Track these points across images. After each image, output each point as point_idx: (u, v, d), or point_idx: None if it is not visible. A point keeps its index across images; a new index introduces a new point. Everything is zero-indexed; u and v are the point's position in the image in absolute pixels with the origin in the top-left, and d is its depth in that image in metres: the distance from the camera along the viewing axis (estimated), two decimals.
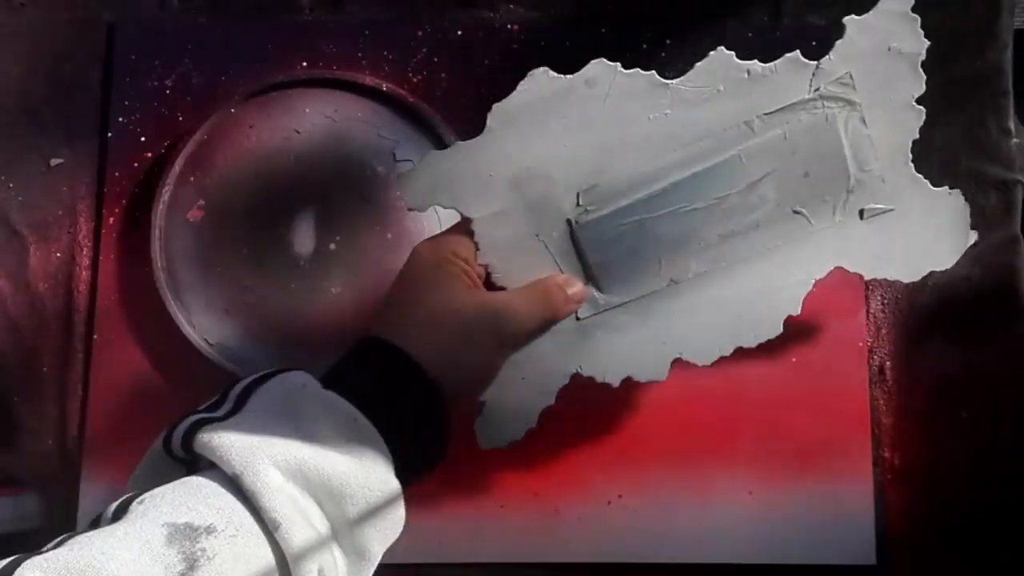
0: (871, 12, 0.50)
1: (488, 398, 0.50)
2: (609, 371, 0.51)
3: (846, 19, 0.50)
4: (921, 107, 0.51)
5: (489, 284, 0.50)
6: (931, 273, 0.52)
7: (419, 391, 0.44)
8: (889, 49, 0.50)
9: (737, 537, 0.57)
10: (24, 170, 0.62)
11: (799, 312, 0.51)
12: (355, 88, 0.61)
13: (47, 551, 0.36)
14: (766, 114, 0.50)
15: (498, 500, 0.58)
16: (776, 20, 0.62)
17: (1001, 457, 0.58)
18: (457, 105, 0.61)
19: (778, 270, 0.51)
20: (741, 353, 0.57)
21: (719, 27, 0.62)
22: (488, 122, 0.49)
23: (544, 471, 0.58)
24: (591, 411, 0.58)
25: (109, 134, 0.61)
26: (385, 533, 0.42)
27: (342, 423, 0.41)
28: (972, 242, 0.52)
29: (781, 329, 0.51)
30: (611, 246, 0.50)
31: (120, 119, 0.62)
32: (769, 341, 0.57)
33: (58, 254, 0.61)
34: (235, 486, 0.39)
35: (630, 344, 0.51)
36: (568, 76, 0.49)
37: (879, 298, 0.60)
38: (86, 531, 0.37)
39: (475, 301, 0.47)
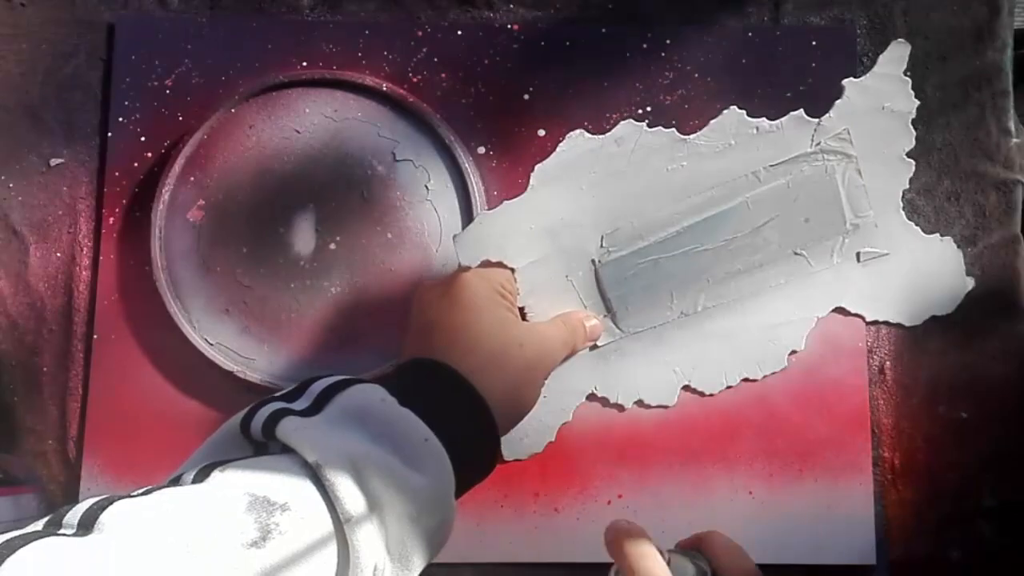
0: (867, 75, 0.58)
1: None
2: (622, 393, 0.57)
3: (845, 82, 0.57)
4: (911, 160, 0.58)
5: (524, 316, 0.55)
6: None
7: (480, 421, 0.46)
8: (883, 108, 0.57)
9: (737, 537, 0.57)
10: (24, 170, 0.62)
11: (803, 347, 0.57)
12: (355, 88, 0.61)
13: (137, 495, 0.38)
14: (772, 165, 0.56)
15: (498, 500, 0.58)
16: (776, 20, 0.62)
17: (1001, 457, 0.58)
18: (457, 105, 0.61)
19: (781, 307, 0.57)
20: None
21: (719, 27, 0.62)
22: (531, 181, 0.56)
23: (544, 471, 0.58)
24: (591, 411, 0.58)
25: (109, 134, 0.61)
26: (433, 550, 0.44)
27: (417, 442, 0.42)
28: (969, 288, 0.58)
29: (785, 363, 0.57)
30: (629, 283, 0.56)
31: (120, 119, 0.62)
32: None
33: (58, 254, 0.61)
34: (313, 474, 0.40)
35: (642, 370, 0.57)
36: (600, 136, 0.57)
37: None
38: (171, 486, 0.39)
39: (534, 339, 0.51)
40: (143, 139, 0.61)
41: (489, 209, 0.58)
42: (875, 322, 0.58)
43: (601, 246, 0.56)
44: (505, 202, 0.55)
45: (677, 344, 0.57)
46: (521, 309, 0.55)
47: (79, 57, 0.63)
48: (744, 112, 0.57)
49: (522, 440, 0.56)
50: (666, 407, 0.57)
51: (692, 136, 0.57)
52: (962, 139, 0.61)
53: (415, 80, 0.62)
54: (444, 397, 0.46)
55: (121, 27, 0.63)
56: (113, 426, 0.59)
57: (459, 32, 0.62)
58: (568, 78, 0.61)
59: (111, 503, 0.37)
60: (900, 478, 0.58)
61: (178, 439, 0.58)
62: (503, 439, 0.52)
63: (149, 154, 0.61)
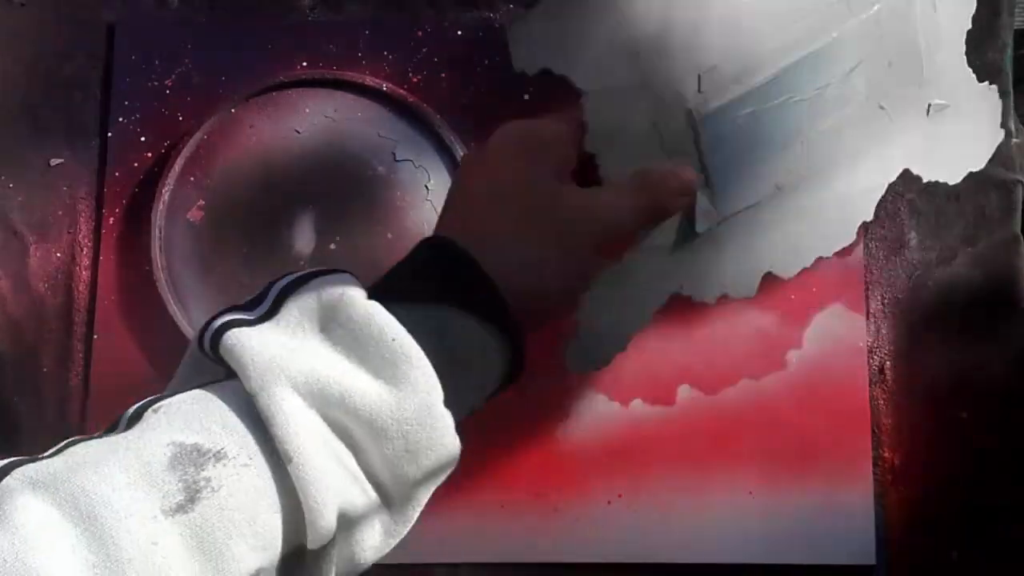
0: None
1: (582, 318, 0.46)
2: (707, 290, 0.49)
3: None
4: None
5: (588, 178, 0.44)
6: (931, 273, 0.52)
7: (485, 308, 0.37)
8: None
9: (737, 537, 0.57)
10: (24, 170, 0.62)
11: (871, 218, 0.50)
12: (355, 88, 0.61)
13: (44, 458, 0.33)
14: None
15: (498, 500, 0.58)
16: None
17: (1001, 457, 0.58)
18: (457, 105, 0.61)
19: (858, 173, 0.49)
20: (741, 352, 0.57)
21: None
22: None
23: (544, 471, 0.58)
24: (591, 411, 0.58)
25: (109, 134, 0.61)
26: (429, 471, 0.36)
27: (380, 341, 0.35)
28: (999, 141, 0.52)
29: (855, 236, 0.50)
30: (730, 143, 0.46)
31: (120, 119, 0.62)
32: (770, 341, 0.57)
33: (58, 254, 0.61)
34: (251, 406, 0.34)
35: (728, 261, 0.49)
36: None
37: (879, 298, 0.60)
38: (95, 437, 0.35)
39: (569, 200, 0.40)
40: (143, 139, 0.61)
41: None
42: (928, 184, 0.52)
43: (699, 90, 0.45)
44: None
45: (763, 226, 0.48)
46: (592, 159, 0.44)
47: (79, 57, 0.63)
48: None
49: (590, 348, 0.47)
50: (748, 298, 0.50)
51: None
52: None
53: (415, 80, 0.62)
54: (432, 281, 0.38)
55: (121, 27, 0.63)
56: None
57: (459, 32, 0.62)
58: (568, 79, 0.61)
59: (9, 472, 0.32)
60: (900, 478, 0.58)
61: None
62: (570, 345, 0.46)
63: (149, 154, 0.61)
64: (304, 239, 0.60)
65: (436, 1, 0.63)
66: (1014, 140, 0.61)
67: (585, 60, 0.44)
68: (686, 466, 0.57)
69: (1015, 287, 0.60)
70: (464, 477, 0.57)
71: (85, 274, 0.61)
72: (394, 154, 0.60)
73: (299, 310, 0.36)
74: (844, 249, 0.59)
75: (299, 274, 0.38)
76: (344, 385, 0.34)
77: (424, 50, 0.62)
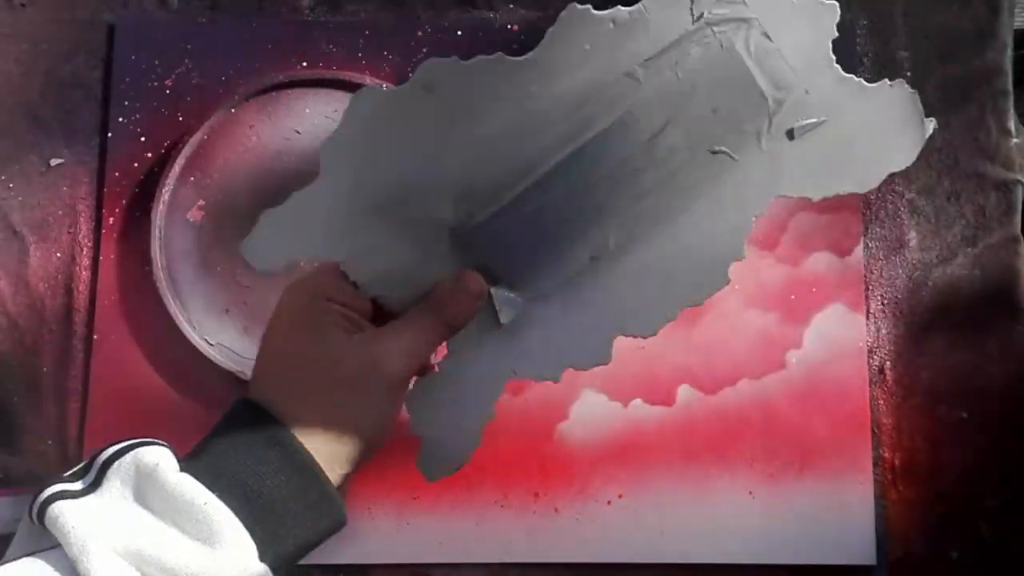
0: None
1: (420, 431, 0.46)
2: (547, 368, 0.47)
3: None
4: (833, 1, 0.46)
5: (383, 315, 0.45)
6: (931, 273, 0.51)
7: (294, 468, 0.39)
8: None
9: (737, 537, 0.57)
10: (24, 170, 0.62)
11: (744, 256, 0.46)
12: (355, 88, 0.61)
13: None
14: (648, 60, 0.45)
15: (498, 500, 0.58)
16: None
17: (1001, 457, 0.58)
18: None
19: (710, 217, 0.46)
20: (741, 352, 0.57)
21: None
22: (322, 161, 0.44)
23: (544, 471, 0.58)
24: (590, 410, 0.58)
25: (109, 134, 0.61)
26: None
27: (192, 508, 0.37)
28: (931, 131, 0.47)
29: (729, 278, 0.46)
30: (511, 242, 0.45)
31: (120, 119, 0.62)
32: (770, 341, 0.57)
33: (58, 254, 0.61)
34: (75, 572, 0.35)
35: (564, 334, 0.47)
36: (400, 87, 0.44)
37: (879, 298, 0.60)
38: None
39: (352, 354, 0.42)
40: (143, 139, 0.61)
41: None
42: (824, 199, 0.47)
43: (458, 211, 0.44)
44: (294, 192, 0.44)
45: (599, 293, 0.46)
46: (374, 303, 0.45)
47: (79, 57, 0.63)
48: (589, 6, 0.44)
49: (443, 456, 0.47)
50: (604, 365, 0.47)
51: (530, 55, 0.44)
52: (962, 139, 0.61)
53: None
54: (242, 446, 0.40)
55: (121, 27, 0.63)
56: (113, 426, 0.58)
57: (459, 32, 0.62)
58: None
59: None
60: (900, 478, 0.58)
61: (178, 439, 0.58)
62: (421, 459, 0.47)
63: (149, 154, 0.61)
64: None
65: (436, 1, 0.63)
66: (1014, 140, 0.61)
67: (327, 241, 0.44)
68: (686, 466, 0.57)
69: (1015, 287, 0.60)
70: (464, 477, 0.57)
71: (85, 274, 0.61)
72: None
73: (120, 480, 0.38)
74: (843, 248, 0.58)
75: (120, 445, 0.40)
76: (161, 547, 0.36)
77: (424, 51, 0.62)
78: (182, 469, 0.39)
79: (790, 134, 0.46)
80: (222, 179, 0.60)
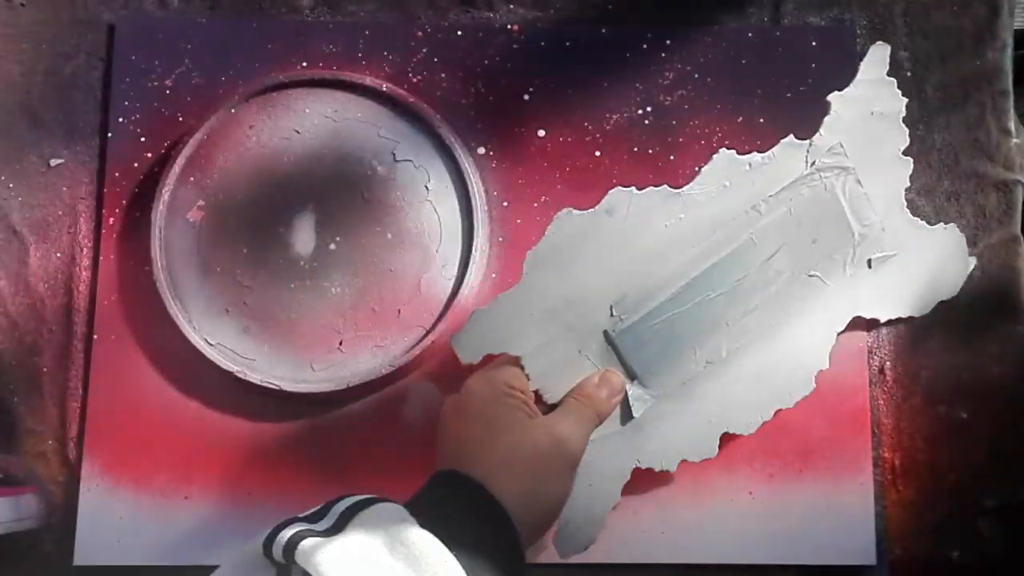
0: (851, 86, 0.56)
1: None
2: (665, 459, 0.54)
3: (830, 97, 0.56)
4: (908, 157, 0.57)
5: (539, 402, 0.52)
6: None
7: (502, 532, 0.46)
8: (872, 113, 0.56)
9: (737, 537, 0.57)
10: (24, 170, 0.62)
11: (828, 366, 0.56)
12: (355, 88, 0.61)
13: None
14: (770, 196, 0.55)
15: None
16: (776, 20, 0.62)
17: (1001, 457, 0.58)
18: (457, 105, 0.61)
19: (802, 331, 0.55)
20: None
21: (719, 27, 0.62)
22: (524, 268, 0.53)
23: None
24: None
25: (109, 134, 0.61)
26: None
27: (436, 564, 0.42)
28: (971, 269, 0.58)
29: (814, 385, 0.55)
30: (648, 346, 0.54)
31: (120, 119, 0.62)
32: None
33: (58, 254, 0.61)
34: None
35: (680, 430, 0.54)
36: (590, 211, 0.53)
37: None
38: None
39: (544, 433, 0.49)
40: (143, 139, 0.61)
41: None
42: (888, 321, 0.58)
43: (611, 315, 0.53)
44: (499, 296, 0.53)
45: (708, 394, 0.55)
46: (536, 393, 0.52)
47: (79, 57, 0.63)
48: (734, 152, 0.55)
49: (575, 534, 0.53)
50: (711, 458, 0.55)
51: (685, 188, 0.54)
52: (962, 139, 0.61)
53: (415, 80, 0.62)
54: (464, 512, 0.46)
55: (121, 27, 0.63)
56: (113, 426, 0.59)
57: (459, 32, 0.62)
58: (568, 78, 0.61)
59: None
60: (900, 478, 0.58)
61: (178, 439, 0.58)
62: (557, 537, 0.53)
63: (149, 154, 0.61)
64: (304, 239, 0.60)
65: (436, 1, 0.63)
66: (1014, 140, 0.61)
67: (513, 337, 0.52)
68: (686, 466, 0.57)
69: (1015, 287, 0.60)
70: None
71: (85, 274, 0.61)
72: (394, 154, 0.60)
73: (363, 530, 0.43)
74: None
75: (358, 498, 0.45)
76: None
77: (424, 51, 0.62)
78: (421, 525, 0.43)
79: (869, 263, 0.56)
80: (222, 179, 0.60)
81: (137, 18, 0.63)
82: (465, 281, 0.59)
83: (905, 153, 0.57)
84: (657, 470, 0.54)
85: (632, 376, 0.54)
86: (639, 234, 0.54)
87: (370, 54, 0.62)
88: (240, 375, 0.58)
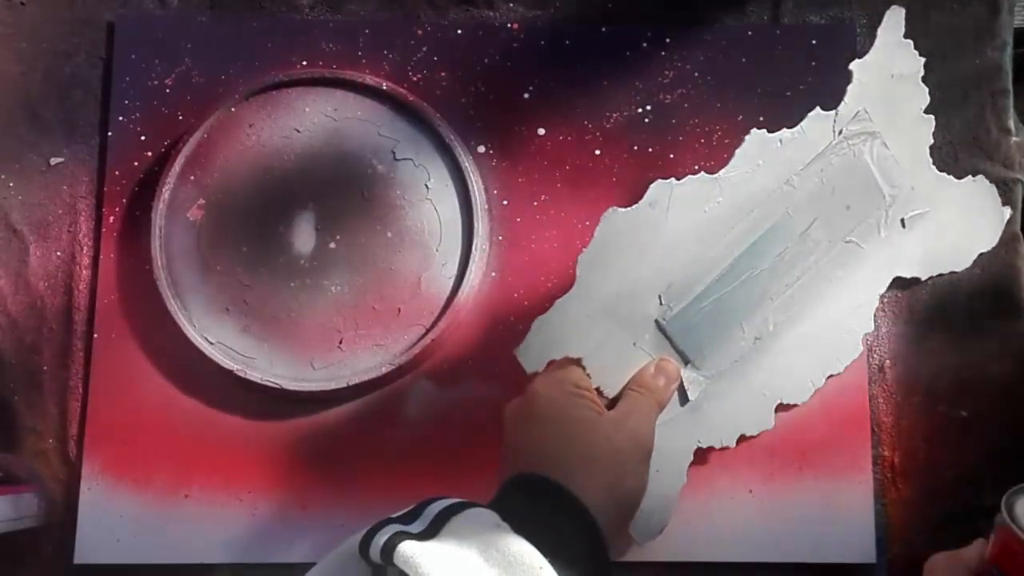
0: (871, 52, 0.57)
1: None
2: (724, 435, 0.56)
3: (851, 65, 0.56)
4: (931, 115, 0.58)
5: (599, 398, 0.53)
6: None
7: (587, 532, 0.46)
8: (892, 76, 0.57)
9: (737, 536, 0.57)
10: (24, 170, 0.62)
11: (872, 327, 0.57)
12: (355, 87, 0.61)
13: None
14: (802, 169, 0.56)
15: None
16: (776, 20, 0.62)
17: (1001, 457, 0.58)
18: (457, 105, 0.61)
19: (844, 297, 0.57)
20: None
21: (719, 27, 0.62)
22: (578, 271, 0.53)
23: None
24: None
25: (109, 134, 0.62)
26: None
27: (532, 570, 0.42)
28: (1007, 217, 0.59)
29: (862, 347, 0.57)
30: (697, 329, 0.55)
31: (120, 119, 0.62)
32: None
33: (58, 253, 0.61)
34: None
35: (736, 406, 0.56)
36: (634, 207, 0.54)
37: (879, 298, 0.60)
38: None
39: (615, 429, 0.50)
40: (143, 139, 0.61)
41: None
42: (929, 278, 0.59)
43: (661, 304, 0.54)
44: (557, 301, 0.53)
45: (759, 369, 0.56)
46: (599, 390, 0.53)
47: (79, 57, 0.63)
48: (764, 131, 0.56)
49: (649, 519, 0.54)
50: (769, 430, 0.56)
51: (721, 172, 0.55)
52: (962, 138, 0.61)
53: (415, 79, 0.62)
54: (552, 517, 0.46)
55: (121, 27, 0.63)
56: (113, 425, 0.59)
57: (459, 32, 0.62)
58: (568, 78, 0.62)
59: None
60: (900, 477, 0.58)
61: (178, 438, 0.58)
62: (633, 525, 0.53)
63: (149, 154, 0.61)
64: (304, 238, 0.60)
65: (436, 1, 0.63)
66: (1014, 139, 0.61)
67: (572, 339, 0.53)
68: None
69: (1015, 287, 0.60)
70: (465, 478, 0.57)
71: (85, 273, 0.61)
72: (394, 153, 0.60)
73: (460, 532, 0.44)
74: None
75: (452, 501, 0.46)
76: None
77: (424, 50, 0.62)
78: (515, 530, 0.44)
79: (902, 223, 0.57)
80: (222, 178, 0.60)
81: (137, 17, 0.63)
82: (465, 280, 0.59)
83: (926, 111, 0.58)
84: (718, 448, 0.56)
85: (686, 360, 0.55)
86: (681, 222, 0.55)
87: (370, 53, 0.62)
88: (240, 374, 0.58)
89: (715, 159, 0.60)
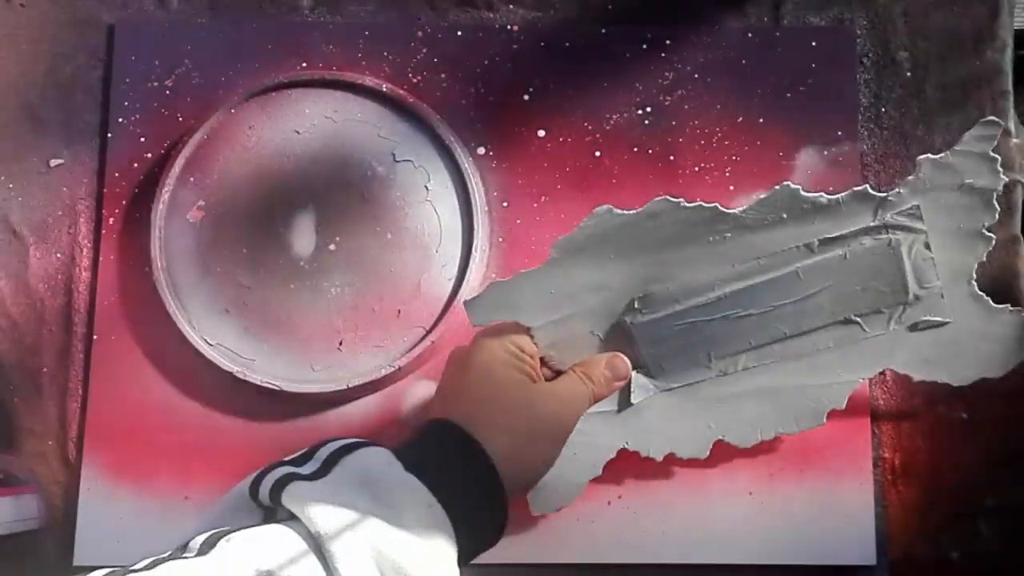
0: (949, 152, 0.51)
1: None
2: (653, 447, 0.55)
3: (921, 158, 0.51)
4: (991, 234, 0.53)
5: (544, 366, 0.53)
6: None
7: (487, 484, 0.46)
8: (963, 185, 0.52)
9: (737, 537, 0.57)
10: (24, 170, 0.62)
11: (843, 407, 0.55)
12: (355, 88, 0.61)
13: (140, 568, 0.38)
14: (828, 238, 0.52)
15: None
16: (776, 21, 0.62)
17: (1001, 457, 0.58)
18: (457, 105, 0.61)
19: (826, 369, 0.54)
20: None
21: (719, 27, 0.62)
22: (551, 252, 0.51)
23: None
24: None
25: (109, 134, 0.62)
26: None
27: (420, 508, 0.43)
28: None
29: (824, 421, 0.54)
30: (663, 342, 0.53)
31: (120, 119, 0.62)
32: None
33: (58, 254, 0.61)
34: (316, 545, 0.40)
35: (676, 425, 0.55)
36: (631, 212, 0.51)
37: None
38: (172, 557, 0.39)
39: (542, 400, 0.50)
40: (143, 139, 0.61)
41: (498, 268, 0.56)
42: (921, 381, 0.55)
43: (634, 307, 0.53)
44: (522, 271, 0.52)
45: (713, 400, 0.54)
46: (542, 360, 0.53)
47: (79, 57, 0.63)
48: (800, 188, 0.51)
49: (551, 495, 0.54)
50: (698, 459, 0.55)
51: (738, 209, 0.51)
52: None
53: (415, 80, 0.62)
54: (452, 459, 0.46)
55: (121, 27, 0.63)
56: (113, 426, 0.59)
57: (459, 32, 0.62)
58: (568, 78, 0.61)
59: None
60: (900, 478, 0.58)
61: (178, 439, 0.59)
62: (533, 493, 0.53)
63: (149, 154, 0.61)
64: (304, 239, 0.60)
65: (436, 1, 0.63)
66: (1014, 141, 0.61)
67: (530, 311, 0.52)
68: (686, 466, 0.57)
69: (1015, 287, 0.60)
70: None
71: (85, 274, 0.61)
72: (394, 154, 0.60)
73: (348, 473, 0.44)
74: None
75: (346, 441, 0.45)
76: (394, 539, 0.41)
77: (424, 52, 0.62)
78: (406, 469, 0.44)
79: (914, 326, 0.54)
80: (222, 179, 0.60)
81: (137, 19, 0.63)
82: (465, 281, 0.59)
83: (989, 230, 0.53)
84: (643, 456, 0.55)
85: (639, 365, 0.54)
86: (680, 241, 0.52)
87: (370, 54, 0.62)
88: (240, 375, 0.58)
89: (715, 160, 0.60)
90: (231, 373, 0.58)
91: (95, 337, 0.60)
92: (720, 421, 0.55)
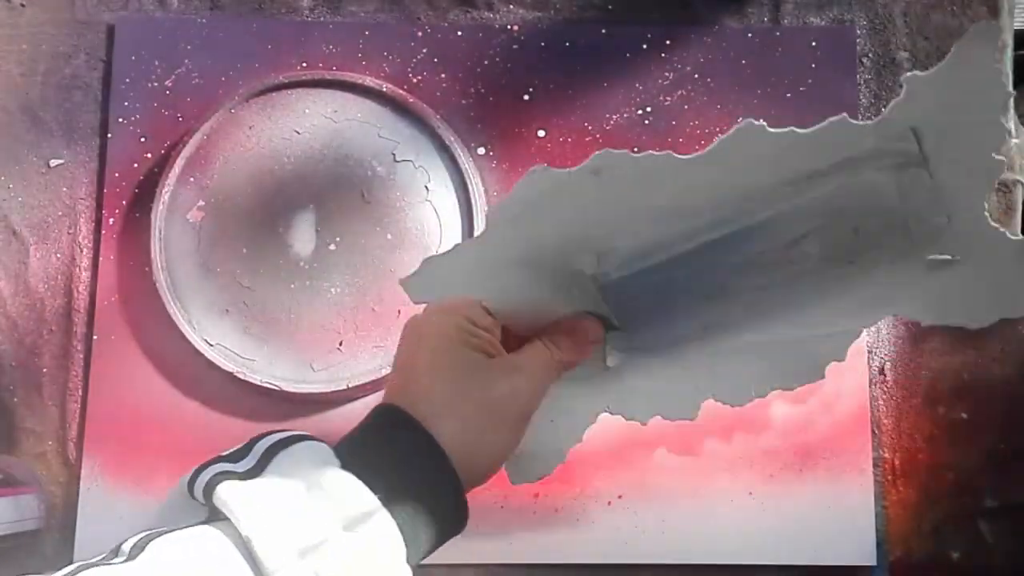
0: (938, 67, 0.43)
1: None
2: (638, 411, 0.51)
3: (907, 76, 0.43)
4: (1001, 157, 0.44)
5: (508, 336, 0.48)
6: None
7: (435, 475, 0.43)
8: (962, 101, 0.43)
9: (737, 537, 0.57)
10: (24, 170, 0.62)
11: (844, 359, 0.49)
12: (355, 88, 0.61)
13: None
14: (809, 176, 0.45)
15: (498, 500, 0.58)
16: (776, 21, 0.62)
17: (1001, 457, 0.58)
18: (457, 106, 0.61)
19: (822, 319, 0.48)
20: None
21: (719, 27, 0.62)
22: (487, 221, 0.47)
23: None
24: None
25: (109, 134, 0.61)
26: None
27: (356, 507, 0.40)
28: None
29: (824, 376, 0.49)
30: (638, 300, 0.48)
31: (120, 119, 0.62)
32: None
33: (58, 255, 0.61)
34: (247, 549, 0.38)
35: (661, 386, 0.50)
36: (571, 169, 0.44)
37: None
38: (102, 562, 0.37)
39: (499, 378, 0.45)
40: (143, 139, 0.61)
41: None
42: (932, 327, 0.51)
43: (598, 265, 0.47)
44: (456, 244, 0.47)
45: (698, 357, 0.49)
46: (505, 330, 0.47)
47: (79, 57, 0.63)
48: (765, 124, 0.43)
49: (530, 464, 0.51)
50: (689, 420, 0.51)
51: (696, 156, 0.44)
52: None
53: (415, 80, 0.62)
54: (396, 451, 0.43)
55: (121, 27, 0.63)
56: (113, 426, 0.59)
57: (459, 32, 0.62)
58: (568, 78, 0.62)
59: None
60: (900, 478, 0.58)
61: (178, 440, 0.58)
62: (510, 463, 0.50)
63: (149, 154, 0.61)
64: (304, 239, 0.60)
65: (436, 1, 0.63)
66: (1014, 140, 0.61)
67: (476, 283, 0.47)
68: (686, 466, 0.57)
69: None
70: None
71: (85, 275, 0.61)
72: (394, 154, 0.60)
73: (284, 470, 0.41)
74: None
75: (282, 435, 0.42)
76: (329, 543, 0.39)
77: (424, 50, 0.62)
78: (343, 466, 0.41)
79: (919, 266, 0.47)
80: (222, 179, 0.60)
81: (137, 18, 0.63)
82: None
83: (997, 153, 0.45)
84: (626, 419, 0.51)
85: (614, 327, 0.49)
86: (637, 194, 0.45)
87: (370, 54, 0.62)
88: (240, 375, 0.58)
89: None
90: (231, 373, 0.58)
91: (95, 337, 0.59)
92: (708, 380, 0.50)
